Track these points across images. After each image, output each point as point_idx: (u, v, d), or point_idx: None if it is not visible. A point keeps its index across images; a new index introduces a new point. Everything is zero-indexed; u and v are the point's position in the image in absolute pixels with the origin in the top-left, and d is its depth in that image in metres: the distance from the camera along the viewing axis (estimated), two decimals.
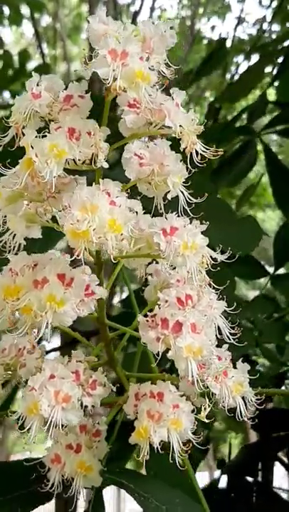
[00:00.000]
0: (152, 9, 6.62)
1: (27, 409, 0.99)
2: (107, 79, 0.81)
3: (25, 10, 5.58)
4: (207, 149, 0.93)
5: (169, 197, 1.00)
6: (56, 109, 0.87)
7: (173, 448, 1.03)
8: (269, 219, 8.65)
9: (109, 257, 0.93)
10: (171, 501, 1.14)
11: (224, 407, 1.13)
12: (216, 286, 1.11)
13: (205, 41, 6.85)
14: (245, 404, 1.15)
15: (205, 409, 1.05)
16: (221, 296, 1.15)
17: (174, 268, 1.13)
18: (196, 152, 0.92)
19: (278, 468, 2.35)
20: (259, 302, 2.31)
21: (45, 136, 0.84)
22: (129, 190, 0.96)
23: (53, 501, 1.20)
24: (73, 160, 0.87)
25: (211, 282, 1.04)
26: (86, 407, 1.03)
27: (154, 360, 1.37)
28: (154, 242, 0.96)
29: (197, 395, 1.12)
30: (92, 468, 1.09)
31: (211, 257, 1.02)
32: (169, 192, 0.99)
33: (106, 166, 0.87)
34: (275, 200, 2.50)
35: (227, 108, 4.65)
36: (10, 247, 1.04)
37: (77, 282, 0.92)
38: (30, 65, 4.96)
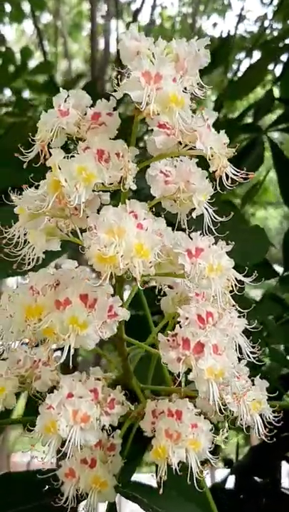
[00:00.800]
0: (153, 7, 6.52)
1: (44, 427, 0.97)
2: (140, 102, 0.78)
3: (26, 7, 5.54)
4: (237, 172, 0.90)
5: (194, 215, 0.97)
6: (84, 128, 0.84)
7: (191, 468, 1.02)
8: (271, 217, 8.64)
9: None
10: None
11: (242, 425, 1.12)
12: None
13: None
14: (263, 422, 1.14)
15: (223, 432, 1.04)
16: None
17: None
18: (226, 176, 0.89)
19: (285, 467, 2.35)
20: (267, 303, 2.30)
21: (73, 156, 0.82)
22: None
23: None
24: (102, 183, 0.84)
25: (236, 305, 1.02)
26: (104, 426, 1.01)
27: (167, 370, 1.37)
28: (179, 264, 0.93)
29: (214, 411, 1.11)
30: (107, 483, 1.08)
31: (236, 278, 0.99)
32: (193, 209, 0.98)
33: (134, 187, 0.85)
34: (283, 197, 2.48)
35: (228, 106, 4.61)
36: (29, 259, 1.02)
37: (100, 304, 0.90)
38: (32, 63, 4.91)
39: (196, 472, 1.02)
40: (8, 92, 4.73)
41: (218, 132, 0.92)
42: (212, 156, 0.87)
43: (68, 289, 0.90)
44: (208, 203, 0.98)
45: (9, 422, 1.74)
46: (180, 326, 1.01)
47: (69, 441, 0.95)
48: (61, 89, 0.86)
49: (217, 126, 0.92)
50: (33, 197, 0.89)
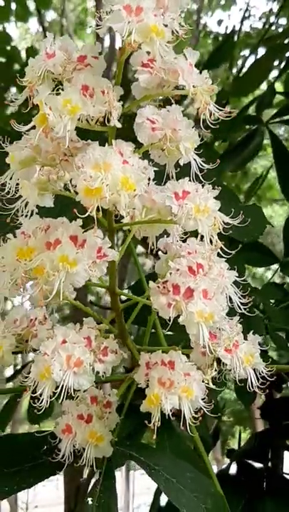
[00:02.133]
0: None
1: (39, 374, 0.99)
2: (122, 34, 0.81)
3: (31, 5, 5.60)
4: (220, 110, 0.92)
5: (181, 163, 1.00)
6: (70, 69, 0.87)
7: (184, 415, 1.03)
8: (277, 215, 8.65)
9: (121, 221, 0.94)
10: (182, 474, 1.13)
11: (235, 378, 1.13)
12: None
13: (211, 36, 6.84)
14: (256, 376, 1.15)
15: (211, 372, 1.05)
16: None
17: (185, 241, 1.13)
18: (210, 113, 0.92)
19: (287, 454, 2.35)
20: (268, 289, 2.31)
21: (59, 93, 0.85)
22: None
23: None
24: (86, 120, 0.87)
25: (223, 246, 1.04)
26: (98, 373, 1.03)
27: (162, 334, 1.39)
28: (166, 206, 0.96)
29: (208, 366, 1.13)
30: (103, 438, 1.09)
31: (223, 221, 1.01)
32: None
33: (119, 125, 0.87)
34: (281, 186, 2.50)
35: (234, 102, 4.65)
36: (22, 214, 1.04)
37: (89, 244, 0.92)
38: None
39: (189, 419, 1.03)
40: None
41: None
42: (194, 93, 0.89)
43: (58, 231, 0.92)
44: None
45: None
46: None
47: (63, 385, 0.97)
48: (48, 33, 0.89)
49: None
50: (23, 143, 0.91)
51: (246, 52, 5.36)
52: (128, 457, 1.18)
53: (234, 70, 4.96)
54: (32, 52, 4.68)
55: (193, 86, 0.89)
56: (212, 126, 0.97)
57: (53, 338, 1.01)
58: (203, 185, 0.99)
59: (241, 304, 1.13)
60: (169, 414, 1.02)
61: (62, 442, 1.10)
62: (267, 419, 2.52)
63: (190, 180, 0.99)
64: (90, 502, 1.09)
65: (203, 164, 1.00)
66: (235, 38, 4.54)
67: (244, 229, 1.78)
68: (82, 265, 0.90)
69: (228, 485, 2.09)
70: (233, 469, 2.26)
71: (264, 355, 1.20)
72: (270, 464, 2.21)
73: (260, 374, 1.15)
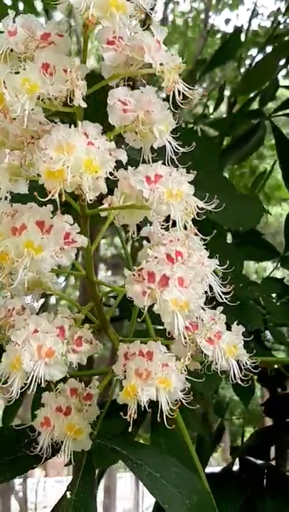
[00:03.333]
0: (167, 3, 6.57)
1: (10, 365, 0.96)
2: (80, 8, 0.78)
3: (39, 5, 5.58)
4: (190, 89, 0.89)
5: (155, 146, 0.96)
6: (32, 46, 0.84)
7: (162, 407, 1.00)
8: (286, 213, 8.53)
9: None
10: (167, 469, 1.10)
11: (217, 369, 1.09)
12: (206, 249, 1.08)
13: (219, 35, 6.80)
14: (240, 367, 1.11)
15: (184, 361, 1.02)
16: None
17: (168, 229, 1.10)
18: (179, 92, 0.88)
19: None
20: (267, 283, 2.27)
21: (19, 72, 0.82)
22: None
23: None
24: (50, 100, 0.84)
25: (198, 232, 1.01)
26: (71, 364, 1.00)
27: (151, 325, 1.36)
28: (138, 190, 0.92)
29: (188, 353, 1.09)
30: (82, 431, 1.07)
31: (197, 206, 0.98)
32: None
33: (84, 105, 0.84)
34: (285, 180, 2.47)
35: (242, 100, 4.61)
36: None
37: (56, 229, 0.89)
38: None
39: (166, 411, 1.00)
40: None
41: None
42: (162, 71, 0.86)
43: (24, 216, 0.89)
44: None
45: None
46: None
47: (33, 376, 0.94)
48: (9, 10, 0.86)
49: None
50: None
51: (254, 51, 5.31)
52: (111, 452, 1.15)
53: (242, 70, 4.92)
54: None
55: (160, 64, 0.86)
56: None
57: (25, 327, 0.98)
58: (177, 169, 0.96)
59: (223, 293, 1.09)
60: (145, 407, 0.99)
61: (41, 435, 1.08)
62: (271, 416, 2.49)
63: (164, 163, 0.96)
64: (69, 496, 1.07)
65: (179, 148, 0.96)
66: (243, 37, 4.49)
67: (239, 217, 1.76)
68: (48, 251, 0.87)
69: (229, 482, 2.07)
70: (236, 467, 2.23)
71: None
72: (273, 462, 2.17)
73: (244, 366, 1.12)
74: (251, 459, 2.12)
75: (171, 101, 0.88)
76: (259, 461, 2.15)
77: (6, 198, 1.01)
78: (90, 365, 2.34)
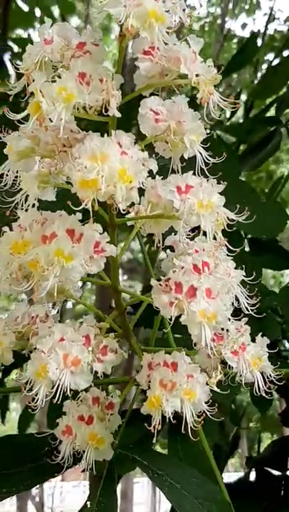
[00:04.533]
0: (183, 9, 6.55)
1: (35, 372, 0.96)
2: (119, 19, 0.77)
3: (55, 11, 5.60)
4: (225, 100, 0.89)
5: (185, 156, 0.96)
6: (68, 56, 0.84)
7: (186, 419, 0.99)
8: None
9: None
10: (187, 480, 1.09)
11: (241, 381, 1.09)
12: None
13: (235, 40, 6.81)
14: (264, 380, 1.10)
15: (216, 376, 1.01)
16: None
17: (193, 239, 1.09)
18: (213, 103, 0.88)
19: None
20: (286, 292, 2.25)
21: (55, 81, 0.82)
22: None
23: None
24: (84, 109, 0.83)
25: (227, 244, 1.00)
26: (96, 373, 1.00)
27: (172, 335, 1.35)
28: (168, 200, 0.92)
29: (213, 368, 1.09)
30: (104, 440, 1.06)
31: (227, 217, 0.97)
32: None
33: (118, 115, 0.84)
34: None
35: (259, 105, 4.60)
36: (22, 208, 1.01)
37: (86, 238, 0.89)
38: None
39: (191, 422, 0.99)
40: None
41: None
42: (198, 83, 0.86)
43: (55, 224, 0.89)
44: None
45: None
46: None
47: (59, 384, 0.94)
48: (46, 19, 0.86)
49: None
50: (20, 133, 0.88)
51: (271, 55, 5.30)
52: (131, 461, 1.14)
53: (259, 74, 4.92)
54: None
55: (196, 75, 0.85)
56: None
57: (50, 335, 0.98)
58: (208, 180, 0.95)
59: (249, 304, 1.09)
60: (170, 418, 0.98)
61: (62, 444, 1.07)
62: (288, 426, 2.47)
63: (195, 174, 0.95)
64: (89, 505, 1.06)
65: (209, 158, 0.96)
66: (260, 41, 4.49)
67: (263, 225, 1.76)
68: (78, 260, 0.87)
69: (245, 493, 2.06)
70: (253, 477, 2.22)
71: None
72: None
73: (268, 378, 1.11)
74: (268, 469, 2.10)
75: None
76: (276, 472, 2.13)
77: (33, 205, 1.01)
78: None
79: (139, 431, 1.41)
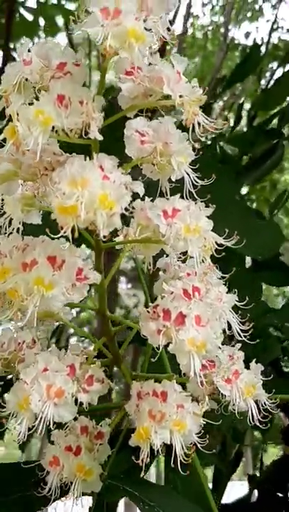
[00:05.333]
0: (187, 17, 6.55)
1: (17, 404, 0.92)
2: (97, 39, 0.74)
3: (59, 21, 5.58)
4: (210, 122, 0.85)
5: (173, 178, 0.92)
6: (47, 76, 0.80)
7: (175, 451, 0.95)
8: None
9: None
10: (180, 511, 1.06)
11: (234, 410, 1.04)
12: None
13: (239, 48, 6.81)
14: (258, 408, 1.06)
15: (203, 405, 0.97)
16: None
17: (184, 261, 1.06)
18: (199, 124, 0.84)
19: None
20: (287, 309, 2.21)
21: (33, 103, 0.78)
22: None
23: None
24: (65, 132, 0.80)
25: (216, 270, 0.96)
26: (82, 404, 0.96)
27: (168, 361, 1.31)
28: (154, 224, 0.88)
29: (206, 397, 1.05)
30: (92, 472, 1.02)
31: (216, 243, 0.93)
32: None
33: (100, 138, 0.80)
34: None
35: (263, 115, 4.58)
36: (6, 233, 0.98)
37: (68, 265, 0.85)
38: None
39: (181, 455, 0.95)
40: None
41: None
42: (182, 103, 0.82)
43: (36, 251, 0.85)
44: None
45: None
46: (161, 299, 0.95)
47: (41, 417, 0.90)
48: (24, 37, 0.83)
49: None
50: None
51: (275, 64, 5.29)
52: (122, 492, 1.10)
53: (262, 82, 4.90)
54: None
55: (180, 96, 0.82)
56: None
57: (34, 365, 0.94)
58: (196, 202, 0.91)
59: (242, 330, 1.05)
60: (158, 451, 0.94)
61: (50, 475, 1.03)
62: None
63: (183, 197, 0.92)
64: None
65: (198, 180, 0.92)
66: (263, 50, 4.48)
67: (258, 246, 1.72)
68: (59, 288, 0.83)
69: None
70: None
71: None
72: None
73: (262, 406, 1.07)
74: (269, 492, 2.06)
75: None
76: (278, 494, 2.08)
77: (18, 229, 0.97)
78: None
79: (130, 459, 1.37)
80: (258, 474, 2.48)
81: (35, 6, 5.28)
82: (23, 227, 1.00)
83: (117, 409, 1.20)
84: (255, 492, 2.25)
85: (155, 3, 0.79)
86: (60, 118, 0.76)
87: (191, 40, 7.65)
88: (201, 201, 0.94)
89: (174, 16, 6.03)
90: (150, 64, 0.81)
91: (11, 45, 4.82)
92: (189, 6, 6.71)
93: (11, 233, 0.97)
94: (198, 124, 0.84)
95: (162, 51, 0.84)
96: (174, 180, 0.92)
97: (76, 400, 0.94)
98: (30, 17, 5.38)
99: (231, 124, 3.67)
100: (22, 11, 5.25)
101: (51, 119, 0.76)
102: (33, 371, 0.93)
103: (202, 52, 7.71)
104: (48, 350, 0.98)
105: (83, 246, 1.12)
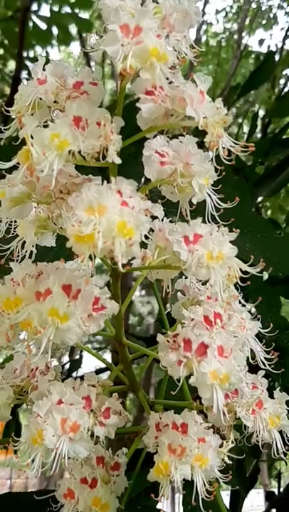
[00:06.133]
0: (200, 25, 6.52)
1: (31, 438, 0.87)
2: (117, 58, 0.69)
3: (73, 29, 5.56)
4: (235, 144, 0.80)
5: (194, 201, 0.87)
6: (62, 96, 0.76)
7: (197, 488, 0.90)
8: None
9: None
10: None
11: (258, 442, 0.99)
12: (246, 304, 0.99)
13: (253, 55, 6.78)
14: (283, 439, 1.01)
15: (227, 444, 0.92)
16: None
17: (205, 284, 1.01)
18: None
19: None
20: None
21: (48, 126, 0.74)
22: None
23: None
24: (81, 155, 0.75)
25: (241, 299, 0.91)
26: (98, 437, 0.91)
27: (186, 385, 1.26)
28: (175, 251, 0.83)
29: (228, 427, 1.00)
30: (109, 506, 0.97)
31: (241, 270, 0.88)
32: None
33: (118, 161, 0.75)
34: None
35: (277, 122, 4.53)
36: (19, 256, 0.93)
37: (84, 294, 0.80)
38: None
39: (203, 492, 0.90)
40: None
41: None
42: (206, 125, 0.77)
43: (50, 279, 0.80)
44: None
45: None
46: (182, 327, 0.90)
47: (56, 453, 0.85)
48: (40, 56, 0.79)
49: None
50: (12, 178, 0.81)
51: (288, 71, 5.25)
52: None
53: (276, 89, 4.86)
54: None
55: (204, 117, 0.77)
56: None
57: (47, 396, 0.89)
58: (218, 226, 0.86)
59: (266, 359, 1.00)
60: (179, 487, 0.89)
61: (64, 508, 0.98)
62: None
63: (204, 221, 0.87)
64: None
65: (220, 203, 0.87)
66: (277, 57, 4.43)
67: (279, 261, 1.66)
68: (75, 320, 0.78)
69: None
70: None
71: None
72: None
73: (287, 437, 1.02)
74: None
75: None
76: None
77: (31, 252, 0.93)
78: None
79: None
80: (274, 488, 2.42)
81: (48, 15, 5.25)
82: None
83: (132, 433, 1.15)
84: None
85: (178, 20, 0.75)
86: (76, 141, 0.72)
87: (205, 47, 7.61)
88: (223, 224, 0.89)
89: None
90: (171, 82, 0.76)
91: (24, 54, 4.81)
92: (203, 13, 6.67)
93: (24, 257, 0.93)
94: (223, 147, 0.78)
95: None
96: (194, 203, 0.87)
97: (92, 433, 0.90)
98: (43, 26, 5.37)
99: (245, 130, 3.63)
100: (35, 19, 5.24)
101: (67, 142, 0.71)
102: (47, 403, 0.88)
103: (216, 60, 7.67)
104: (64, 382, 0.93)
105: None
